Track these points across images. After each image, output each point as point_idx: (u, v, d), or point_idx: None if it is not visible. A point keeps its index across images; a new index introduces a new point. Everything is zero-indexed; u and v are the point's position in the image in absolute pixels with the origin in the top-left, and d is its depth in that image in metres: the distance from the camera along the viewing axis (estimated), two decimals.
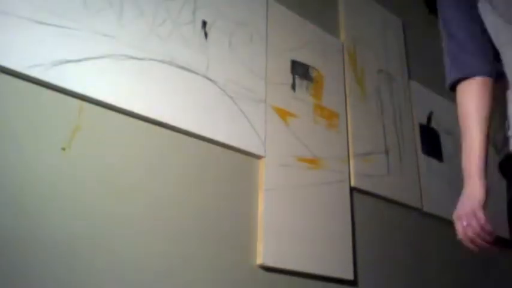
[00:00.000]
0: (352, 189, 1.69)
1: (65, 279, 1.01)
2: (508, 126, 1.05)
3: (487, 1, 1.11)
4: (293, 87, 1.64)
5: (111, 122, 1.18)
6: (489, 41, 1.10)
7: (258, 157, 1.45)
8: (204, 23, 1.45)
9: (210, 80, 1.40)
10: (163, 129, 1.27)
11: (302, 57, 1.70)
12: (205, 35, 1.44)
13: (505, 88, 1.07)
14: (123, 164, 1.17)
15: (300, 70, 1.68)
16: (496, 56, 1.10)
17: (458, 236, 1.04)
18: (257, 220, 1.38)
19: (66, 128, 1.10)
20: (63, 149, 1.08)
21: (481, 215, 1.00)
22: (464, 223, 1.02)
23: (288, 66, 1.66)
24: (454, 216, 1.06)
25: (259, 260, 1.33)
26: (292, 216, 1.45)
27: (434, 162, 2.06)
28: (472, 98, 1.05)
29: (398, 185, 1.85)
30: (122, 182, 1.15)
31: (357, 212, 1.68)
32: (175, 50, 1.35)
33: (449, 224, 1.13)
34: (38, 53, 1.09)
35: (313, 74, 1.73)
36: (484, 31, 1.11)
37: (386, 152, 1.86)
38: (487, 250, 1.02)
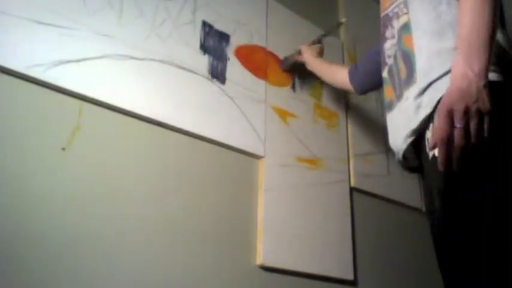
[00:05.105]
0: (352, 189, 1.69)
1: (65, 279, 1.01)
2: None
3: None
4: (293, 87, 1.64)
5: (111, 122, 1.18)
6: None
7: (258, 157, 1.45)
8: (204, 23, 1.46)
9: (210, 80, 1.40)
10: (163, 129, 1.27)
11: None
12: (205, 35, 1.44)
13: None
14: (123, 164, 1.17)
15: (299, 70, 1.68)
16: None
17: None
18: (257, 220, 1.38)
19: (66, 128, 1.10)
20: (63, 149, 1.08)
21: None
22: None
23: None
24: None
25: (259, 260, 1.33)
26: (292, 216, 1.45)
27: None
28: None
29: (398, 185, 1.85)
30: (122, 182, 1.15)
31: (357, 212, 1.68)
32: (175, 50, 1.35)
33: None
34: (38, 53, 1.09)
35: (313, 74, 1.72)
36: None
37: (386, 152, 1.86)
38: None
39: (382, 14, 1.21)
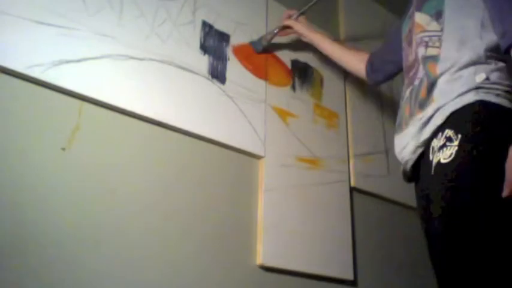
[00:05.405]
0: (352, 189, 1.69)
1: (65, 279, 1.01)
2: None
3: None
4: (293, 87, 1.64)
5: (111, 122, 1.18)
6: None
7: (258, 157, 1.45)
8: (204, 23, 1.46)
9: (210, 80, 1.40)
10: (163, 129, 1.27)
11: (302, 57, 1.70)
12: (205, 35, 1.44)
13: None
14: (123, 164, 1.17)
15: (299, 70, 1.68)
16: None
17: None
18: (257, 220, 1.38)
19: (66, 128, 1.10)
20: (63, 149, 1.08)
21: None
22: None
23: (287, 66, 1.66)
24: None
25: (259, 260, 1.33)
26: (292, 216, 1.45)
27: None
28: None
29: (398, 185, 1.84)
30: (122, 182, 1.15)
31: (356, 212, 1.68)
32: (175, 50, 1.35)
33: None
34: (38, 53, 1.09)
35: (313, 73, 1.73)
36: None
37: (386, 152, 1.86)
38: None
39: (412, 35, 1.20)
